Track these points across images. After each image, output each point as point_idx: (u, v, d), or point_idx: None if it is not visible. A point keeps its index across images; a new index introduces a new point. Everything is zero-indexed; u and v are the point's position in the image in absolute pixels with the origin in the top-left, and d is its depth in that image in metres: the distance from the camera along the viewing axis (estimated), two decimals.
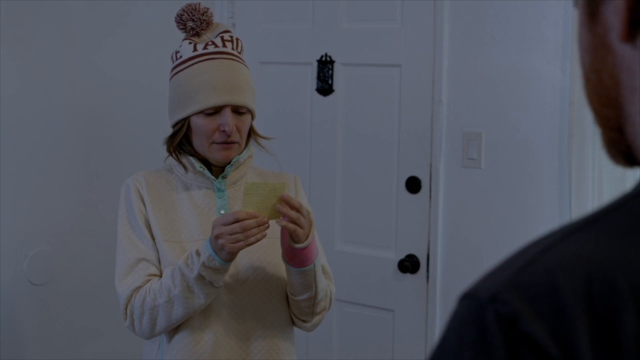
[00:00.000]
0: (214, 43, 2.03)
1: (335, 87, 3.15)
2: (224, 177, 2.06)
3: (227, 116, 1.98)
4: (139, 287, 1.98)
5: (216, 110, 1.99)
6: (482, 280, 0.64)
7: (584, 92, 0.72)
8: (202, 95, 1.98)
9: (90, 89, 2.97)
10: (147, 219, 2.02)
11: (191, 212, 2.04)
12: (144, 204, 2.03)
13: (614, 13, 0.67)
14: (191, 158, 2.03)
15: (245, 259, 2.01)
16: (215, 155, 2.02)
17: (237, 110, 2.01)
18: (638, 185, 0.67)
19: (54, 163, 2.87)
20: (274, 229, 2.03)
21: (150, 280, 1.99)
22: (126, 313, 1.99)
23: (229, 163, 2.05)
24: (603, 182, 2.64)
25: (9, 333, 2.77)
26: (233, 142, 2.01)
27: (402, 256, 3.00)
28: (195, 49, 2.03)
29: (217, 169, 2.08)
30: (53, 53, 2.86)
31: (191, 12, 2.05)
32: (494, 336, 0.60)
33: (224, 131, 1.98)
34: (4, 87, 2.72)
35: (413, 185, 2.97)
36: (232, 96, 1.99)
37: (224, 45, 2.03)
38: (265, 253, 2.03)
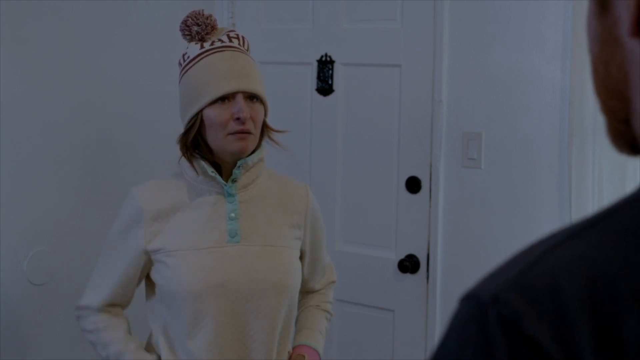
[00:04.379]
0: (220, 40, 2.03)
1: (335, 87, 3.15)
2: (234, 181, 2.03)
3: (240, 102, 1.96)
4: (94, 309, 2.10)
5: (229, 100, 1.97)
6: (484, 281, 0.64)
7: (592, 81, 0.72)
8: (212, 85, 1.96)
9: (91, 89, 2.97)
10: (145, 248, 2.04)
11: (200, 219, 2.02)
12: (148, 229, 2.03)
13: (625, 7, 0.66)
14: (202, 162, 2.01)
15: (248, 264, 2.00)
16: (232, 146, 1.98)
17: (250, 99, 1.99)
18: None
19: (54, 163, 2.87)
20: (275, 236, 2.04)
21: (109, 315, 2.11)
22: (78, 313, 2.13)
23: (245, 156, 2.01)
24: (603, 182, 2.64)
25: (9, 333, 2.77)
26: (249, 133, 1.98)
27: (402, 256, 3.00)
28: (202, 47, 2.02)
29: (227, 173, 2.05)
30: (53, 53, 2.86)
31: (195, 17, 2.04)
32: (495, 337, 0.60)
33: (238, 119, 1.95)
34: (4, 87, 2.72)
35: (413, 185, 2.97)
36: (242, 83, 1.97)
37: (230, 41, 2.04)
38: (269, 259, 2.03)
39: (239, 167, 2.02)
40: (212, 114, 1.97)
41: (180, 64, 2.06)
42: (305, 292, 2.27)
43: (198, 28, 2.04)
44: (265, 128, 2.07)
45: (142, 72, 3.12)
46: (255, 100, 2.00)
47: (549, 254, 0.63)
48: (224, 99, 1.97)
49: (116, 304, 2.11)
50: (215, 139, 1.99)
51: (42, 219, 2.84)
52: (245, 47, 2.07)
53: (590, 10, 0.70)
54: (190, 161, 2.02)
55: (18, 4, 2.75)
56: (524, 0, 2.73)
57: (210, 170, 2.00)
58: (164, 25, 3.10)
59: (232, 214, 2.03)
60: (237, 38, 2.06)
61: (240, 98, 1.97)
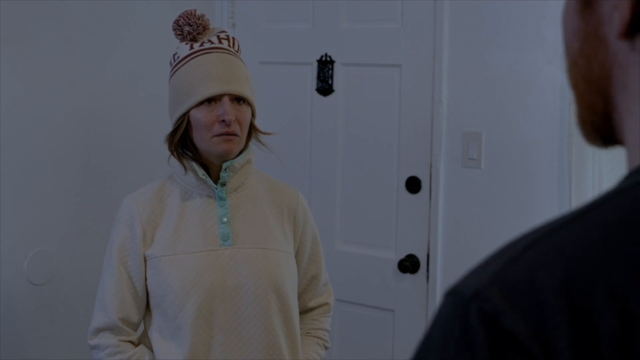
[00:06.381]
0: (210, 41, 2.04)
1: (335, 87, 3.15)
2: (222, 185, 2.03)
3: (226, 105, 1.96)
4: (112, 329, 2.02)
5: (215, 101, 1.98)
6: (466, 277, 0.64)
7: (569, 74, 0.71)
8: (199, 87, 1.97)
9: (91, 90, 2.97)
10: (133, 270, 2.03)
11: (192, 223, 2.02)
12: (144, 235, 2.02)
13: (614, 8, 0.66)
14: (193, 164, 2.01)
15: (240, 267, 2.00)
16: (218, 148, 1.98)
17: (236, 101, 2.00)
18: (623, 181, 0.66)
19: (54, 163, 2.87)
20: (267, 238, 2.03)
21: (128, 342, 2.03)
22: (94, 342, 2.03)
23: (231, 158, 2.02)
24: (603, 182, 2.64)
25: (9, 333, 2.78)
26: (234, 135, 1.98)
27: (402, 256, 3.00)
28: (192, 47, 2.03)
29: (216, 175, 2.05)
30: (53, 53, 2.86)
31: (187, 17, 2.05)
32: (476, 333, 0.60)
33: (223, 121, 1.96)
34: (4, 87, 2.72)
35: (413, 185, 2.97)
36: (229, 85, 1.98)
37: (220, 42, 2.04)
38: (261, 261, 2.02)
39: (225, 169, 2.02)
40: (199, 116, 1.98)
41: (170, 63, 2.07)
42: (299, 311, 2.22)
43: (189, 28, 2.04)
44: (253, 130, 2.07)
45: (143, 73, 3.12)
46: (242, 102, 2.01)
47: (530, 248, 0.63)
48: (210, 100, 1.98)
49: (131, 320, 2.04)
50: (202, 140, 2.00)
51: (42, 219, 2.85)
52: (236, 48, 2.07)
53: (571, 5, 0.70)
54: (180, 160, 2.03)
55: (18, 4, 2.75)
56: (524, 0, 2.73)
57: (201, 173, 2.01)
58: (164, 26, 3.09)
59: (225, 219, 2.03)
60: (227, 39, 2.06)
61: (226, 100, 1.97)
